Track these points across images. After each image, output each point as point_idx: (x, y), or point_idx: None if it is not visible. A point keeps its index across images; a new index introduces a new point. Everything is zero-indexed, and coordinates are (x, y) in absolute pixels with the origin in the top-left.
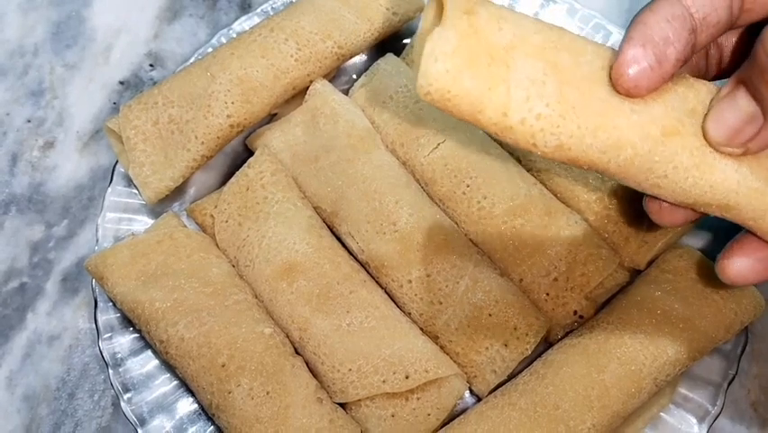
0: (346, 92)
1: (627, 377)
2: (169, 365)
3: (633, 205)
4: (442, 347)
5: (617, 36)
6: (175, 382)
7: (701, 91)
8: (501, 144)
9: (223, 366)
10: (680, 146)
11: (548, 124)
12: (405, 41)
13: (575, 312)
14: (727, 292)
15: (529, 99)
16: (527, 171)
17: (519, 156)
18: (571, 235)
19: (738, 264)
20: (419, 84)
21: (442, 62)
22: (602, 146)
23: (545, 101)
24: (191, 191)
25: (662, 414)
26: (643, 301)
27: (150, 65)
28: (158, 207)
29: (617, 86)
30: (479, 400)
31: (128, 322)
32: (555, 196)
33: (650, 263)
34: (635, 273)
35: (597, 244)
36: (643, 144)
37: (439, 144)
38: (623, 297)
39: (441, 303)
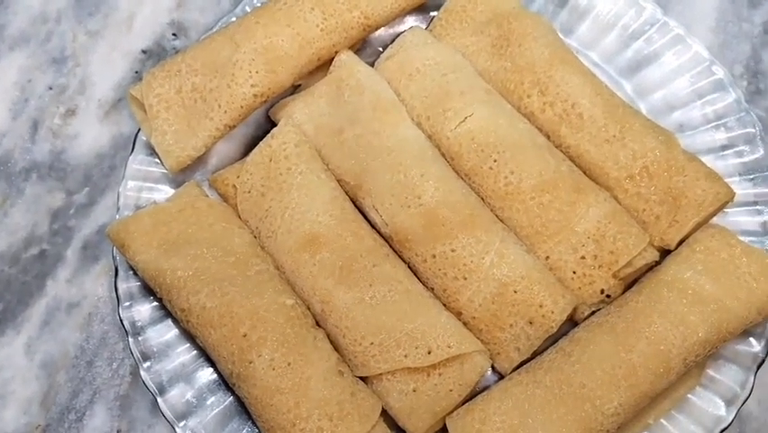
0: (371, 65)
1: (656, 357)
2: (189, 334)
3: (664, 183)
4: (465, 324)
5: None
6: (194, 352)
7: None
8: (530, 120)
9: (244, 336)
10: None
11: None
12: (432, 13)
13: (602, 291)
14: (760, 274)
15: None
16: (556, 148)
17: (548, 132)
18: (599, 213)
19: None
20: None
21: None
22: None
23: None
24: (213, 161)
25: (689, 396)
26: (673, 281)
27: (174, 34)
28: (179, 177)
29: None
30: (500, 377)
31: (148, 291)
32: (584, 173)
33: (680, 243)
34: (665, 253)
35: (626, 222)
36: None
37: (466, 118)
38: (652, 276)
39: (465, 279)
